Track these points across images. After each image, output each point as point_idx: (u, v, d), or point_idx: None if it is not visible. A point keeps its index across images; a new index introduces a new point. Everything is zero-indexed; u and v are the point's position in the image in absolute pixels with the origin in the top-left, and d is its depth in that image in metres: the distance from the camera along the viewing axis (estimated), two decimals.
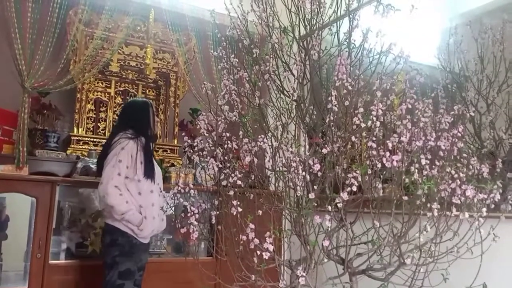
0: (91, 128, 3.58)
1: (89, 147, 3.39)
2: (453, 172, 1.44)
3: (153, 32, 3.62)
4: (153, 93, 3.88)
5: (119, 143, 2.31)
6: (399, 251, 1.48)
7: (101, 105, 3.65)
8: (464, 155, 1.56)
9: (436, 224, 1.46)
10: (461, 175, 1.44)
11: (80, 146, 3.39)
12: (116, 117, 3.66)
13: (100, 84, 3.66)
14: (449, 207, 1.45)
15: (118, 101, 3.71)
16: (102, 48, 3.34)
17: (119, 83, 3.72)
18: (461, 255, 1.49)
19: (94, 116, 3.61)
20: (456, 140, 1.51)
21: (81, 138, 3.43)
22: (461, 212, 1.44)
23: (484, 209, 1.46)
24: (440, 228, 1.47)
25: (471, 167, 1.53)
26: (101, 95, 3.65)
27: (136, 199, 2.30)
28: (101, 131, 3.60)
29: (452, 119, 1.61)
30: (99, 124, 3.62)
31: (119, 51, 3.51)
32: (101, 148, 3.43)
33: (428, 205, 1.43)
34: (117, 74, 3.65)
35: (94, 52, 3.23)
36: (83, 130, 3.49)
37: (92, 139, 3.47)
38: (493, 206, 1.48)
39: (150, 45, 3.57)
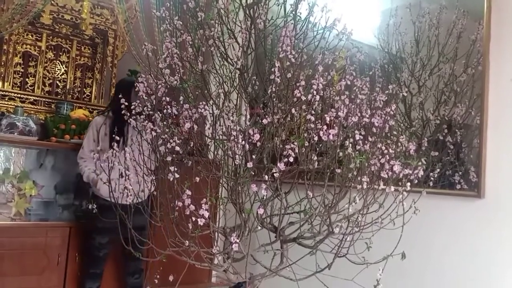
0: (19, 84, 3.32)
1: (15, 104, 3.16)
2: (383, 148, 1.52)
3: None
4: (89, 51, 3.66)
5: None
6: (329, 220, 1.55)
7: (30, 59, 3.39)
8: (394, 132, 1.64)
9: (364, 196, 1.54)
10: (390, 151, 1.52)
11: (6, 102, 3.16)
12: (47, 73, 3.44)
13: (30, 36, 3.38)
14: (377, 181, 1.53)
15: (50, 56, 3.47)
16: None
17: (51, 37, 3.46)
18: (385, 225, 1.59)
19: (22, 70, 3.35)
20: (389, 118, 1.59)
21: (6, 93, 3.19)
22: (387, 186, 1.53)
23: (408, 184, 1.56)
24: (367, 200, 1.55)
25: (399, 144, 1.62)
26: (30, 49, 3.38)
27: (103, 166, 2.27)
28: (30, 87, 3.36)
29: (386, 98, 1.68)
30: (27, 79, 3.37)
31: (52, 2, 3.24)
32: (29, 105, 3.24)
33: (359, 178, 1.50)
34: (49, 27, 3.39)
35: (24, 1, 2.97)
36: (9, 85, 3.24)
37: (19, 95, 3.23)
38: (416, 181, 1.58)
39: None
